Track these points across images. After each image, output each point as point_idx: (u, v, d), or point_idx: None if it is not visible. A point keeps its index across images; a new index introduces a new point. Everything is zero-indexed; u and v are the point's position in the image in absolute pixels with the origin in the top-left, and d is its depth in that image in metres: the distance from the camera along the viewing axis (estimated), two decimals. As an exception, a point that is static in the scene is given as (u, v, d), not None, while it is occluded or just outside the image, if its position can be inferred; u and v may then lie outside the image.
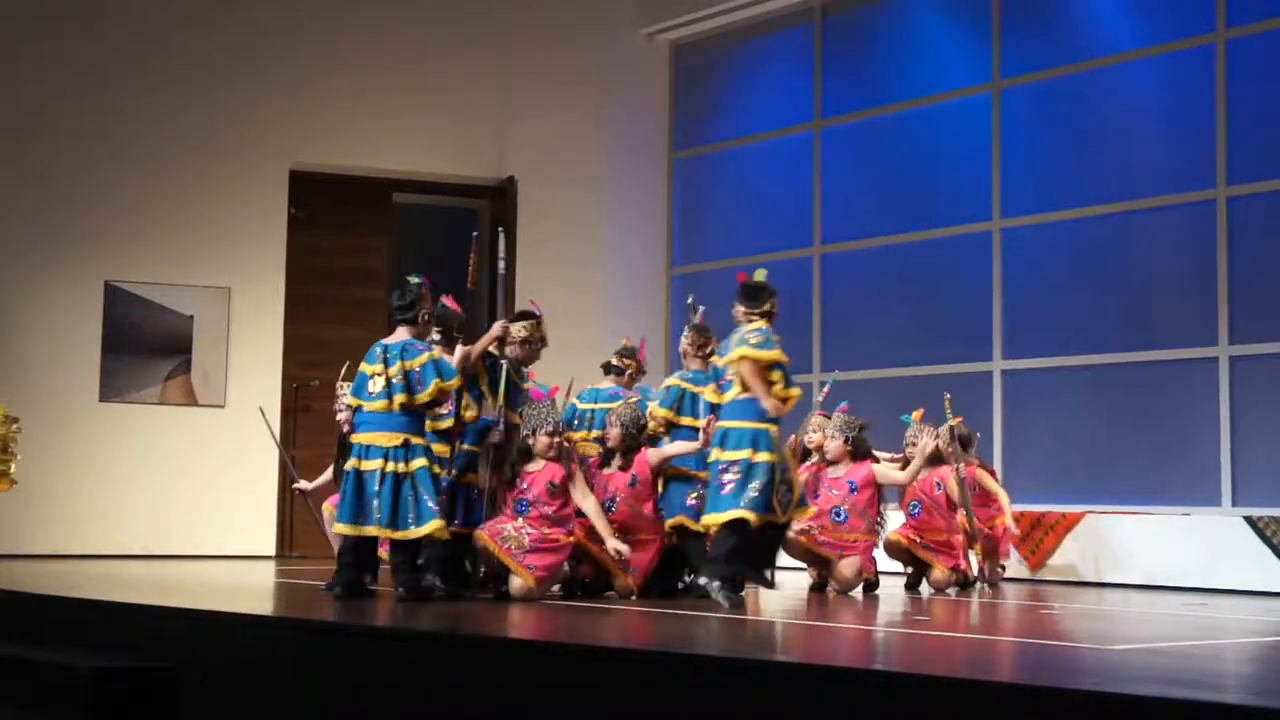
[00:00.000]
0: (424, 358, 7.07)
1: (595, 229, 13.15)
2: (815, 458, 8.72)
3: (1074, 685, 4.27)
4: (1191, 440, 10.15)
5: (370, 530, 7.00)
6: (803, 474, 8.42)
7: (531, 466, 7.37)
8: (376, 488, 6.93)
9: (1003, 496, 9.29)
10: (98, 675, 5.94)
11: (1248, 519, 9.29)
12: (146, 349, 11.81)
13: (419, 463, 7.00)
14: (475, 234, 8.39)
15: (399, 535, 6.95)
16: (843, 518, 8.42)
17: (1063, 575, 9.91)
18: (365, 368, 7.16)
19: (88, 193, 11.78)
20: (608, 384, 8.50)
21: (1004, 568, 9.56)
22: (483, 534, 7.27)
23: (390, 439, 6.99)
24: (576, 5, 13.25)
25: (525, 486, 7.32)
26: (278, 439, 10.47)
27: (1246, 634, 6.60)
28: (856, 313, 12.07)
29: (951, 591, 8.58)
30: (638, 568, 7.68)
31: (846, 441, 8.51)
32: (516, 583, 7.20)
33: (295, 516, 12.09)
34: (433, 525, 6.93)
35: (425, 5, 12.86)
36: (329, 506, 7.94)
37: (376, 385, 7.03)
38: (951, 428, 9.07)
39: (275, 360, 12.07)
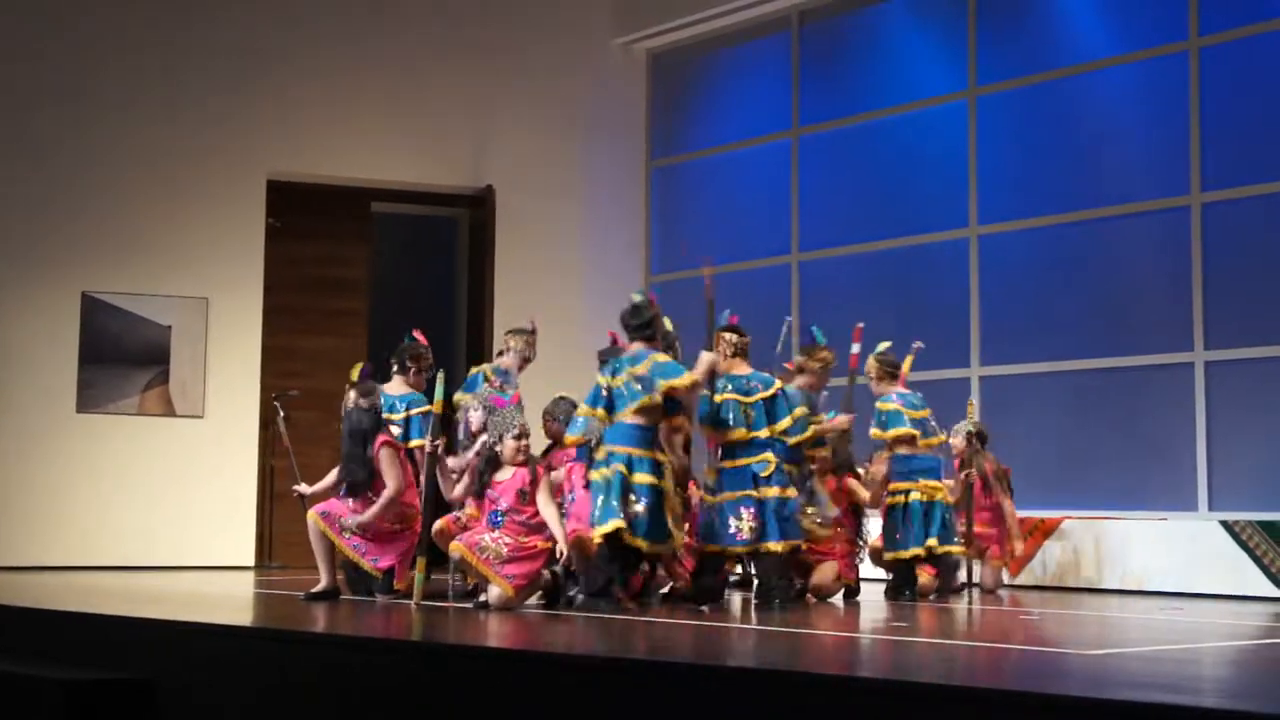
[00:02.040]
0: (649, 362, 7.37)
1: (573, 237, 13.15)
2: None
3: (1052, 690, 4.29)
4: (1168, 445, 10.19)
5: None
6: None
7: (500, 475, 7.38)
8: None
9: (1009, 506, 9.39)
10: (71, 687, 5.91)
11: (1224, 523, 9.33)
12: (124, 360, 11.77)
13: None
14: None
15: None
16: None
17: (1041, 580, 9.94)
18: (603, 380, 7.43)
19: (65, 203, 11.74)
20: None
21: (1004, 573, 9.61)
22: (460, 545, 7.28)
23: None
24: (554, 15, 13.26)
25: (496, 496, 7.32)
26: (287, 442, 10.52)
27: (1223, 638, 6.63)
28: (834, 320, 12.05)
29: (933, 597, 8.60)
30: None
31: (834, 453, 8.53)
32: (495, 592, 7.20)
33: (275, 527, 12.07)
34: (613, 524, 7.12)
35: (403, 16, 12.85)
36: (313, 514, 7.92)
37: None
38: (969, 433, 9.18)
39: (253, 370, 12.04)
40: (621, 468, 7.20)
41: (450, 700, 5.17)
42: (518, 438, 7.38)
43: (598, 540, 7.25)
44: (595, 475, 7.32)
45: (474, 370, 8.74)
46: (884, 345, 8.85)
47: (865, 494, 8.58)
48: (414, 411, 8.53)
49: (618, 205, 13.42)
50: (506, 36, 13.08)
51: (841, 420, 8.33)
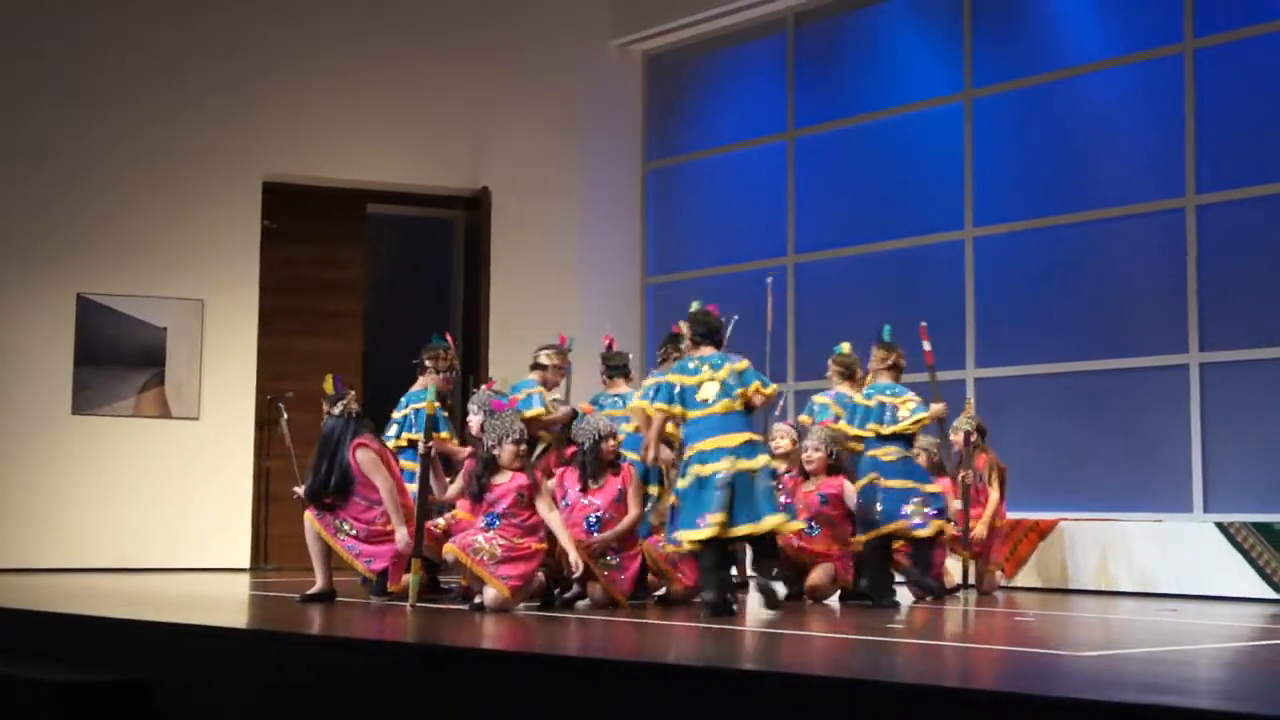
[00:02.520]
0: (741, 364, 7.33)
1: (569, 239, 13.15)
2: (783, 466, 8.75)
3: (1046, 692, 4.29)
4: (1163, 447, 10.20)
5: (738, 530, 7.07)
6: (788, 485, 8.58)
7: (498, 479, 7.39)
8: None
9: (993, 498, 9.40)
10: (66, 689, 5.91)
11: (1219, 525, 9.34)
12: (120, 361, 11.77)
13: (763, 459, 7.20)
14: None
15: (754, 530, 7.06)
16: (814, 530, 8.45)
17: (1036, 582, 9.94)
18: (680, 379, 7.31)
19: (60, 205, 11.73)
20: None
21: (1002, 572, 9.62)
22: (454, 546, 7.28)
23: (734, 439, 7.12)
24: (550, 16, 13.26)
25: (495, 499, 7.33)
26: (289, 443, 10.54)
27: (1218, 640, 6.64)
28: (830, 322, 12.09)
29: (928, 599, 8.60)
30: (626, 579, 7.68)
31: (830, 456, 8.53)
32: (491, 594, 7.20)
33: (270, 529, 12.07)
34: (776, 519, 7.08)
35: (400, 17, 12.85)
36: (310, 515, 7.92)
37: (709, 391, 7.21)
38: (966, 431, 9.21)
39: (249, 372, 12.04)
40: (709, 467, 7.11)
41: (445, 702, 5.17)
42: (516, 443, 7.39)
43: (691, 547, 7.15)
44: (681, 484, 7.20)
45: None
46: (845, 346, 8.97)
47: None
48: (412, 408, 8.57)
49: (614, 207, 13.42)
50: (503, 38, 13.08)
51: (938, 408, 8.37)
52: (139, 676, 6.07)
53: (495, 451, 7.39)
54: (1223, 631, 7.06)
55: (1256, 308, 9.94)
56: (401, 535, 7.74)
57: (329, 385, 8.07)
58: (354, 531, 7.86)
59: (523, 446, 7.45)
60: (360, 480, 7.85)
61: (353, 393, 8.11)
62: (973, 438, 9.40)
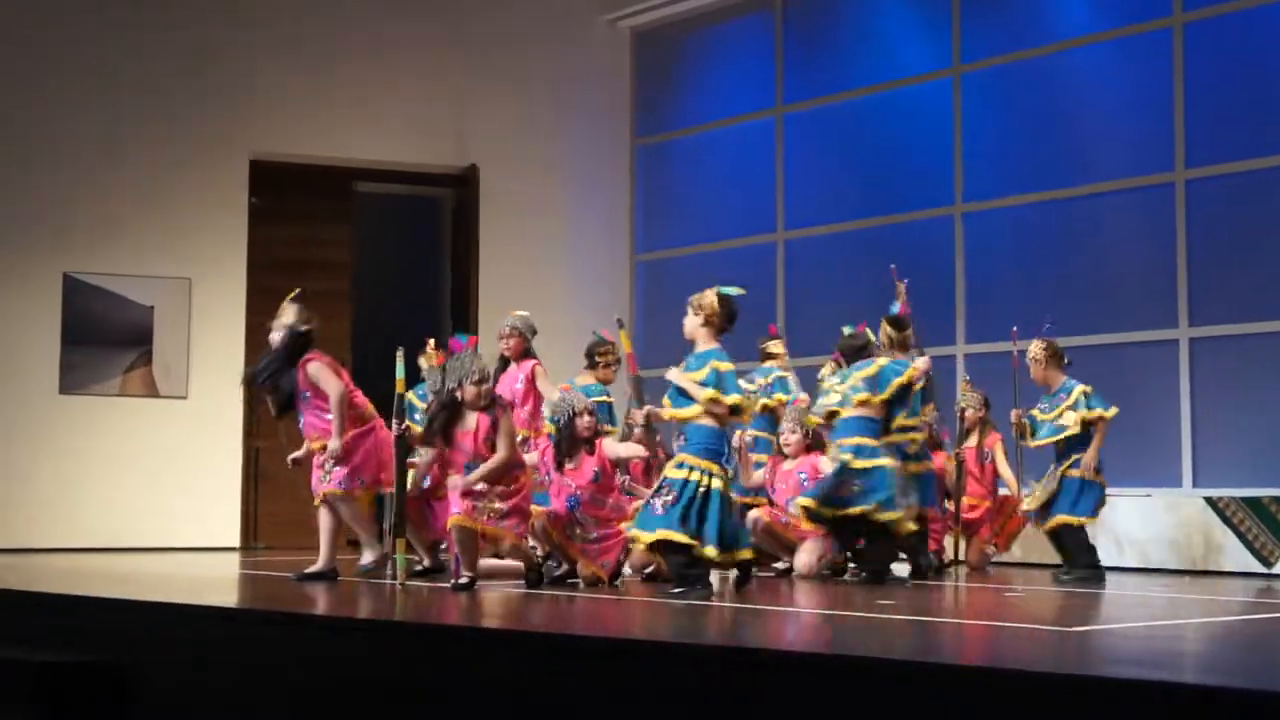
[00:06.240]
0: (874, 368, 8.12)
1: (558, 217, 13.12)
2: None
3: (1035, 668, 4.29)
4: (1152, 422, 10.20)
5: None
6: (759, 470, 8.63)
7: (466, 425, 7.24)
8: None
9: (1008, 474, 9.42)
10: (46, 670, 5.89)
11: (1208, 500, 9.35)
12: (107, 341, 11.73)
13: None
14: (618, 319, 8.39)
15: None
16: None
17: (1026, 557, 9.95)
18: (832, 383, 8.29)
19: (46, 184, 11.67)
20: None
21: (995, 549, 9.62)
22: (456, 517, 7.14)
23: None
24: (537, -8, 13.22)
25: (470, 450, 7.23)
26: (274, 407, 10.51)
27: (1206, 614, 6.65)
28: (819, 298, 12.08)
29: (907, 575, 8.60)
30: (608, 559, 7.66)
31: (806, 435, 8.53)
32: (507, 547, 7.33)
33: (260, 508, 12.05)
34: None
35: (385, -7, 12.79)
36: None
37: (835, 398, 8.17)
38: (963, 409, 9.22)
39: (237, 351, 11.96)
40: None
41: (435, 681, 5.16)
42: (478, 382, 7.25)
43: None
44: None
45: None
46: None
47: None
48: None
49: (602, 184, 13.38)
50: (491, 15, 13.02)
51: (923, 361, 8.53)
52: (121, 657, 6.05)
53: (457, 394, 7.26)
54: (1211, 606, 7.07)
55: (1246, 282, 9.94)
56: (334, 445, 7.66)
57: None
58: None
59: (485, 386, 7.27)
60: (313, 393, 7.75)
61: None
62: (980, 413, 9.41)
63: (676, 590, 6.68)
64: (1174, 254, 10.20)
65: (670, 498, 6.70)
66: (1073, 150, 10.87)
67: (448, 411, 7.27)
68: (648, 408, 7.67)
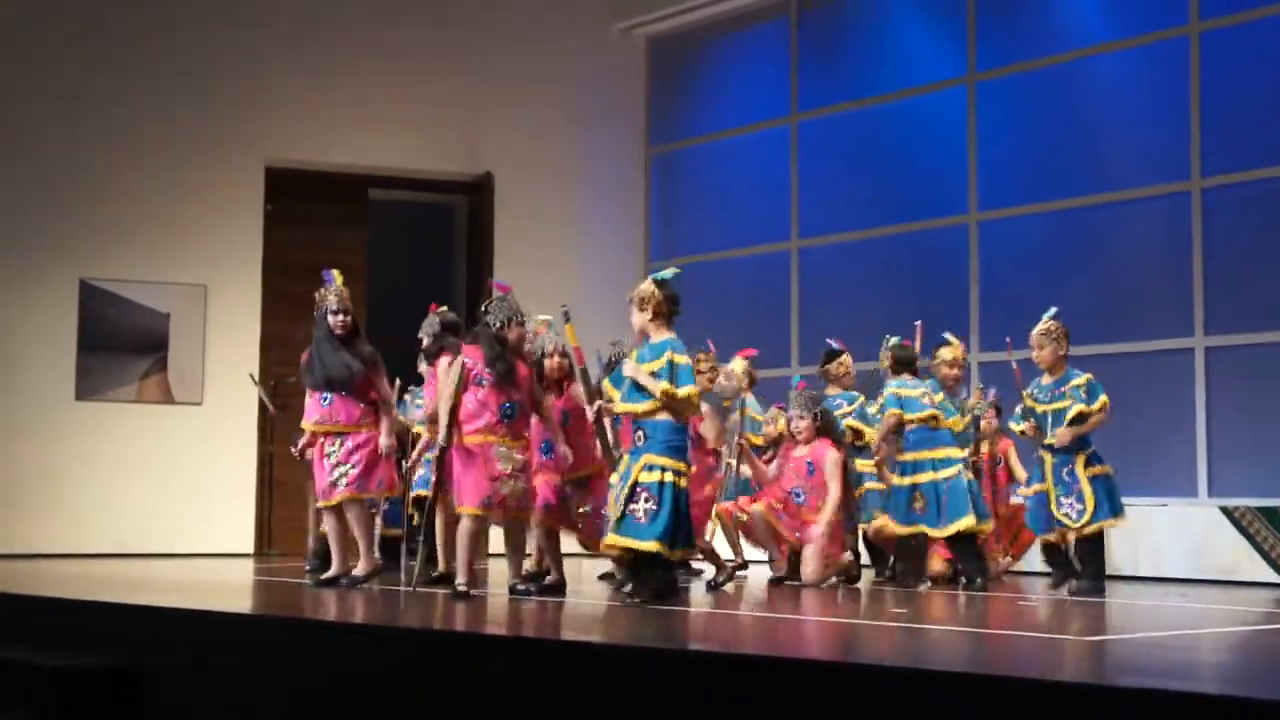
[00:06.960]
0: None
1: (572, 224, 13.13)
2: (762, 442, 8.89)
3: (1051, 677, 4.27)
4: (1168, 431, 10.18)
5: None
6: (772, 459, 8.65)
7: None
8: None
9: (1024, 476, 9.37)
10: (59, 674, 5.90)
11: (1224, 509, 9.32)
12: (122, 347, 11.75)
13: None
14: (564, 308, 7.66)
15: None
16: (802, 498, 8.40)
17: (1041, 566, 9.91)
18: (911, 393, 8.34)
19: (63, 191, 11.71)
20: None
21: (1010, 559, 9.58)
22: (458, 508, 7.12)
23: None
24: (552, 0, 13.22)
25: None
26: (270, 405, 10.54)
27: (1222, 624, 6.62)
28: (834, 306, 12.07)
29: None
30: (594, 510, 7.45)
31: (815, 419, 8.46)
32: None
33: (274, 514, 12.06)
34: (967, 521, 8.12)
35: (402, 2, 12.81)
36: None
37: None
38: (976, 416, 9.18)
39: (252, 357, 12.00)
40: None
41: (440, 686, 5.16)
42: (522, 324, 7.21)
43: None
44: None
45: None
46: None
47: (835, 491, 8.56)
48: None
49: (617, 192, 13.39)
50: (506, 22, 13.04)
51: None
52: (138, 661, 6.06)
53: (505, 333, 7.13)
54: (1227, 616, 7.04)
55: (1262, 292, 9.91)
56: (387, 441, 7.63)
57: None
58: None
59: (526, 330, 7.26)
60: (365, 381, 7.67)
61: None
62: (993, 423, 9.37)
63: (642, 598, 6.61)
64: (1190, 263, 10.18)
65: (652, 505, 6.61)
66: (1088, 159, 10.86)
67: (503, 346, 7.11)
68: (598, 403, 7.21)
